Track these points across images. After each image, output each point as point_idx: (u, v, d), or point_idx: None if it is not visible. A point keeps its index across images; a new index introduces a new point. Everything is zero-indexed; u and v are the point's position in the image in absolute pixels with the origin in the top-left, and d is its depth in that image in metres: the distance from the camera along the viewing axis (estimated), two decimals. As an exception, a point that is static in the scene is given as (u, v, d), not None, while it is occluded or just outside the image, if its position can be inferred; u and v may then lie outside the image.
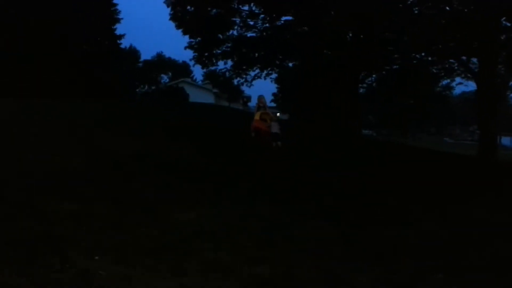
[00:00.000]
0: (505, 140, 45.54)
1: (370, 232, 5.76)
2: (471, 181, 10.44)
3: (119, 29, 32.79)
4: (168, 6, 22.73)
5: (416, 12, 18.16)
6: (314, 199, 7.29)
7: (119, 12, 29.17)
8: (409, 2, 18.50)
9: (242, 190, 7.28)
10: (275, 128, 9.81)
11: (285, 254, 4.65)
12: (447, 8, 17.21)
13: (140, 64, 53.29)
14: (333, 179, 8.83)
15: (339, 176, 9.08)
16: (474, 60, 19.06)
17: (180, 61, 57.18)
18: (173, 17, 23.05)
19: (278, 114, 12.97)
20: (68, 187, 6.19)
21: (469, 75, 21.08)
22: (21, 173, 6.40)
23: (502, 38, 17.35)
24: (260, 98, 11.14)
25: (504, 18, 16.56)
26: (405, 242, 5.37)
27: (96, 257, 3.97)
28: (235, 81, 27.41)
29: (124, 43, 34.45)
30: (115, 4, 28.78)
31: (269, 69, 26.07)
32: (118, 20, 29.02)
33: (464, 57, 19.35)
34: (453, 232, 6.02)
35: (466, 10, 16.78)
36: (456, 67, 22.26)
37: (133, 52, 49.88)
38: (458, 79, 24.51)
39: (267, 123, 9.99)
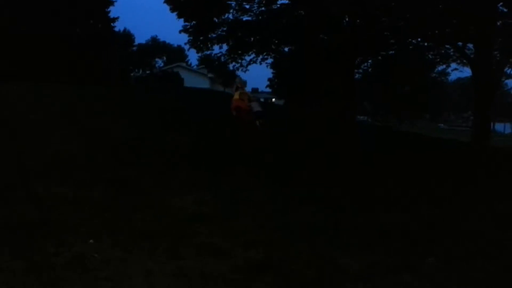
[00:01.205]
0: (499, 126, 45.88)
1: (364, 217, 5.81)
2: (466, 167, 10.52)
3: (113, 12, 32.29)
4: (162, -11, 22.38)
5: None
6: (308, 184, 7.33)
7: (113, -6, 28.66)
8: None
9: (237, 175, 7.30)
10: (256, 107, 9.79)
11: (279, 239, 4.70)
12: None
13: (135, 48, 52.64)
14: (325, 163, 8.86)
15: (331, 161, 9.12)
16: (470, 46, 19.03)
17: (175, 45, 56.50)
18: (167, 0, 22.71)
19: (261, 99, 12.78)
20: (64, 172, 6.20)
21: (464, 61, 21.06)
22: (17, 158, 6.39)
23: (498, 24, 17.28)
24: (238, 79, 10.79)
25: (500, 3, 16.48)
26: (399, 227, 5.43)
27: (91, 241, 4.00)
28: (231, 66, 27.22)
29: (118, 27, 33.99)
30: (109, -14, 28.26)
31: (264, 54, 25.84)
32: (111, 3, 28.55)
33: (460, 43, 19.29)
34: (447, 217, 6.10)
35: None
36: (451, 53, 22.22)
37: (127, 36, 49.18)
38: (453, 65, 24.49)
39: (246, 103, 9.92)
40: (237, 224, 5.01)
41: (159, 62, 58.74)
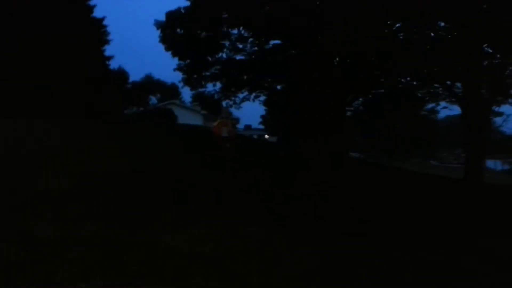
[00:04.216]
0: (490, 163, 46.31)
1: (359, 258, 5.69)
2: (458, 204, 10.49)
3: (108, 50, 32.81)
4: (157, 28, 22.93)
5: (401, 37, 18.62)
6: (304, 221, 7.22)
7: (109, 33, 29.31)
8: (394, 28, 18.98)
9: (235, 211, 7.17)
10: (224, 132, 11.98)
11: (276, 281, 4.55)
12: (432, 34, 17.70)
13: (129, 86, 53.19)
14: (320, 199, 8.79)
15: (326, 199, 9.04)
16: (459, 85, 19.51)
17: (169, 82, 57.29)
18: (162, 39, 23.21)
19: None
20: (54, 209, 6.04)
21: (453, 99, 21.53)
22: (7, 194, 6.24)
23: (484, 63, 17.84)
24: (224, 110, 14.93)
25: (486, 44, 17.08)
26: (390, 265, 5.32)
27: (83, 286, 3.83)
28: (224, 103, 27.53)
29: (113, 65, 34.53)
30: (105, 26, 28.92)
31: (257, 91, 26.27)
32: (107, 42, 29.12)
33: (448, 82, 19.80)
34: (446, 257, 5.99)
35: (449, 36, 17.29)
36: (440, 92, 22.74)
37: (121, 73, 49.84)
38: (443, 103, 24.98)
39: (220, 128, 12.19)
40: (232, 265, 4.86)
41: (153, 99, 59.25)
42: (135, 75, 74.64)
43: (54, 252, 4.54)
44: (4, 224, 5.22)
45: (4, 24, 21.99)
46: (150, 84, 58.79)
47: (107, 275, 4.10)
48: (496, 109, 20.62)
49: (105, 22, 28.62)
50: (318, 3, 17.97)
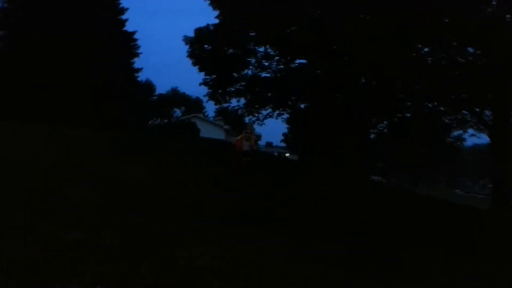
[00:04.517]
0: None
1: (378, 283, 5.50)
2: (482, 234, 10.10)
3: (137, 63, 33.66)
4: (186, 44, 23.43)
5: (430, 62, 18.40)
6: (321, 240, 7.06)
7: (139, 47, 30.13)
8: (422, 52, 18.79)
9: (249, 226, 7.09)
10: (245, 146, 12.03)
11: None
12: (460, 59, 17.42)
13: (155, 98, 54.29)
14: (338, 221, 8.60)
15: (345, 218, 8.85)
16: (488, 112, 19.02)
17: (194, 96, 58.25)
18: (190, 54, 23.67)
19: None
20: (74, 216, 6.10)
21: (482, 126, 20.96)
22: (29, 200, 6.35)
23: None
24: (249, 125, 15.42)
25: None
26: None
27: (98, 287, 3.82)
28: (247, 119, 27.67)
29: (141, 77, 35.34)
30: (135, 40, 29.76)
31: (281, 109, 26.29)
32: (137, 55, 29.92)
33: (477, 109, 19.33)
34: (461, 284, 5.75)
35: (479, 62, 16.97)
36: (469, 118, 22.20)
37: (148, 86, 50.99)
38: (470, 131, 24.32)
39: (242, 143, 12.34)
40: (246, 282, 4.76)
41: (177, 112, 60.20)
42: (161, 88, 76.26)
43: (72, 258, 4.55)
44: (26, 227, 5.29)
45: (42, 36, 22.87)
46: (175, 97, 59.87)
47: (123, 284, 4.07)
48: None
49: (136, 36, 29.43)
50: (344, 26, 17.99)
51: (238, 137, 13.11)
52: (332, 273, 5.55)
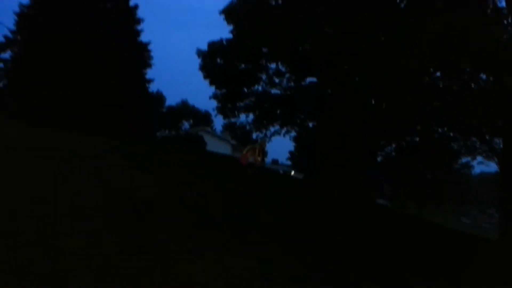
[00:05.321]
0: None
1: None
2: (490, 266, 9.86)
3: (149, 73, 34.02)
4: (198, 57, 23.61)
5: (441, 86, 18.32)
6: (323, 259, 6.91)
7: (152, 58, 30.43)
8: (434, 76, 18.74)
9: (251, 241, 6.96)
10: (250, 159, 12.12)
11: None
12: (472, 85, 17.31)
13: (164, 109, 54.65)
14: (346, 244, 8.44)
15: (351, 242, 8.69)
16: (498, 140, 18.80)
17: (203, 110, 58.56)
18: (202, 67, 23.84)
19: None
20: (76, 222, 6.04)
21: (491, 154, 20.67)
22: (34, 205, 6.31)
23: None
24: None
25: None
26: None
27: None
28: (254, 135, 27.63)
29: (152, 88, 35.64)
30: (149, 50, 30.08)
31: (289, 126, 26.26)
32: (149, 65, 30.19)
33: (487, 136, 19.11)
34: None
35: (491, 89, 16.84)
36: (478, 146, 21.93)
37: (159, 97, 51.39)
38: (479, 158, 23.99)
39: (247, 156, 12.46)
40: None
41: (186, 125, 60.47)
42: (171, 100, 76.83)
43: (72, 265, 4.49)
44: (28, 231, 5.24)
45: (56, 41, 23.22)
46: (184, 109, 60.22)
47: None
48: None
49: (150, 47, 29.76)
50: (357, 46, 18.04)
51: (245, 150, 13.16)
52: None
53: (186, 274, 5.08)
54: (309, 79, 23.54)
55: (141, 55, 28.80)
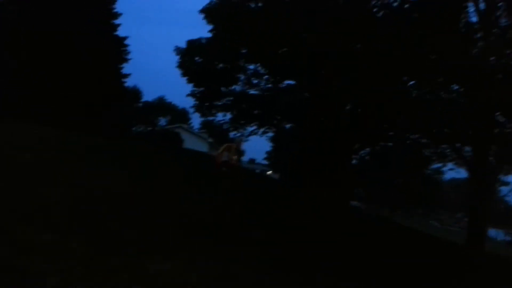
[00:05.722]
0: (492, 232, 45.41)
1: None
2: (462, 271, 10.17)
3: (126, 68, 33.39)
4: (177, 54, 23.42)
5: (414, 95, 18.74)
6: (297, 265, 6.98)
7: (129, 52, 29.93)
8: (408, 84, 19.16)
9: (226, 246, 6.96)
10: (225, 157, 11.87)
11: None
12: (445, 95, 17.80)
13: (141, 104, 53.85)
14: (314, 244, 8.55)
15: (327, 247, 8.80)
16: (468, 148, 19.38)
17: (180, 107, 58.05)
18: (180, 65, 23.66)
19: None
20: (47, 219, 5.91)
21: (461, 161, 21.33)
22: (4, 202, 6.14)
23: (495, 131, 17.76)
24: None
25: (498, 113, 17.08)
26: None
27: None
28: (232, 134, 27.61)
29: (129, 82, 35.05)
30: (126, 45, 29.58)
31: (266, 127, 26.36)
32: (126, 60, 29.69)
33: (458, 144, 19.68)
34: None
35: (462, 100, 17.38)
36: (448, 153, 22.57)
37: (135, 92, 50.58)
38: (449, 165, 24.73)
39: (221, 155, 12.12)
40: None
41: (163, 121, 59.76)
42: (148, 95, 75.80)
43: (38, 261, 4.41)
44: (2, 230, 5.12)
45: (28, 34, 22.59)
46: (161, 106, 59.50)
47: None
48: (503, 178, 20.37)
49: (127, 42, 29.27)
50: (335, 53, 18.25)
51: (221, 148, 13.29)
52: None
53: (154, 274, 5.04)
54: (287, 82, 23.70)
55: (117, 50, 28.30)
